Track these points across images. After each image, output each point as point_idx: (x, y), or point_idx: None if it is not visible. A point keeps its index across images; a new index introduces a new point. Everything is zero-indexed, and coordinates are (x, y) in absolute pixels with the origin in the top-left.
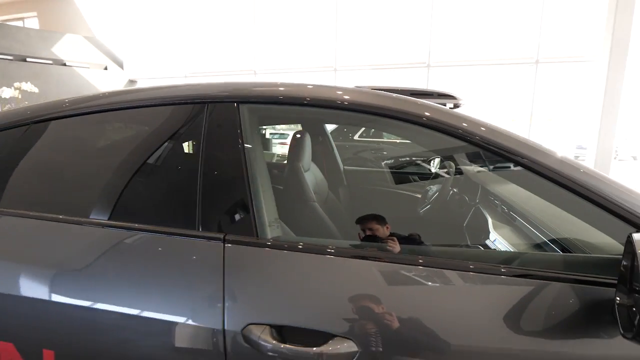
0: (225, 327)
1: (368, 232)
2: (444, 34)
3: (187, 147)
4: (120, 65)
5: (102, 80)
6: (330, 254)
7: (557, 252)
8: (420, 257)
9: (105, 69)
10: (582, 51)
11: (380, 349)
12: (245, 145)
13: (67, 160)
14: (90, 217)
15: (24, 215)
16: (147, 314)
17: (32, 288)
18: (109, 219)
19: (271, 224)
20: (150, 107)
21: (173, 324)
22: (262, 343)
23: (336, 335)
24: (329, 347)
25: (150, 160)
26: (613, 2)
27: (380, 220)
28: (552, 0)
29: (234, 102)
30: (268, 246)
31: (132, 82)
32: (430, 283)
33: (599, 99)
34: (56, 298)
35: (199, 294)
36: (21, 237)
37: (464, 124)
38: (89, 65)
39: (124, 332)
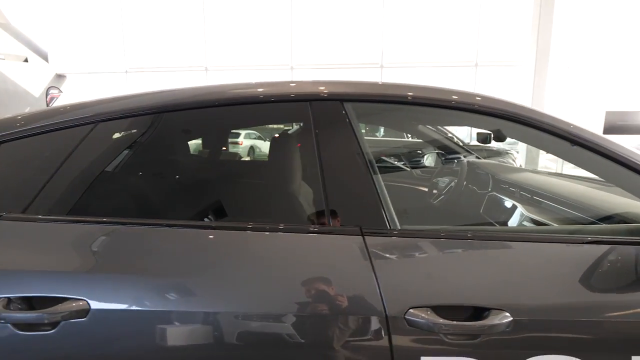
0: (388, 314)
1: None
2: (396, 38)
3: (302, 145)
4: (45, 57)
5: (22, 73)
6: (456, 238)
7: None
8: (537, 234)
9: (26, 60)
10: (513, 57)
11: (530, 317)
12: (360, 141)
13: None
14: (227, 221)
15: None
16: (301, 312)
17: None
18: (250, 222)
19: (397, 214)
20: (254, 104)
21: (331, 317)
22: (428, 323)
23: (491, 309)
24: (488, 320)
25: (280, 160)
26: (536, 13)
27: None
28: (489, 9)
29: (339, 100)
30: (402, 235)
31: (60, 76)
32: (539, 256)
33: (527, 101)
34: (198, 307)
35: (352, 286)
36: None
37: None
38: (3, 56)
39: (284, 331)
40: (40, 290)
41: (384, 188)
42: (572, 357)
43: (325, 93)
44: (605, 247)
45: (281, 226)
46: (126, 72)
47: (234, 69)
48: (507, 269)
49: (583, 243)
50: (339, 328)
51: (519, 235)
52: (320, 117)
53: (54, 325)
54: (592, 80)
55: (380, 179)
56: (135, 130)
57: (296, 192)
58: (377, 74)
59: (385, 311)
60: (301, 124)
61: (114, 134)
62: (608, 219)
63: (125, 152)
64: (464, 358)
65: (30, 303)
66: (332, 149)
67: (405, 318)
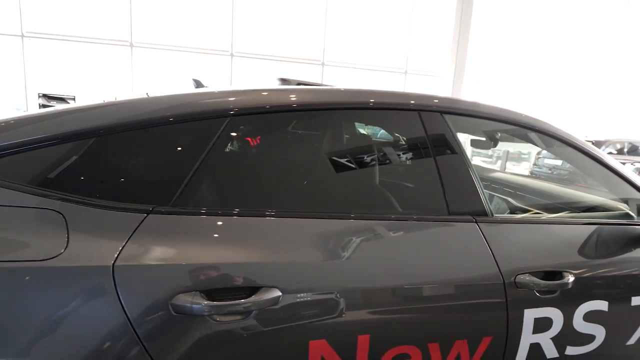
0: (504, 280)
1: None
2: (338, 39)
3: (421, 148)
4: None
5: None
6: (534, 222)
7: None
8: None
9: None
10: (437, 68)
11: (578, 273)
12: (460, 146)
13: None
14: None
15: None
16: (435, 283)
17: (343, 281)
18: (380, 213)
19: (491, 205)
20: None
21: (462, 286)
22: (533, 284)
23: (562, 271)
24: (563, 279)
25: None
26: (456, 32)
27: None
28: (418, 24)
29: (440, 112)
30: (501, 222)
31: None
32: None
33: None
34: (368, 284)
35: (472, 261)
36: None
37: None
38: None
39: (421, 303)
40: (236, 282)
41: (481, 183)
42: (601, 301)
43: (430, 106)
44: (595, 227)
45: (415, 216)
46: (22, 35)
47: (163, 49)
48: (556, 240)
49: (583, 224)
50: (472, 292)
51: (551, 220)
52: (429, 125)
53: (248, 314)
54: (494, 94)
55: (477, 176)
56: (280, 126)
57: (420, 188)
58: (319, 70)
59: (502, 277)
60: (410, 130)
61: (258, 128)
62: (590, 209)
63: (269, 146)
64: (550, 307)
65: (227, 294)
66: (443, 153)
67: (515, 281)
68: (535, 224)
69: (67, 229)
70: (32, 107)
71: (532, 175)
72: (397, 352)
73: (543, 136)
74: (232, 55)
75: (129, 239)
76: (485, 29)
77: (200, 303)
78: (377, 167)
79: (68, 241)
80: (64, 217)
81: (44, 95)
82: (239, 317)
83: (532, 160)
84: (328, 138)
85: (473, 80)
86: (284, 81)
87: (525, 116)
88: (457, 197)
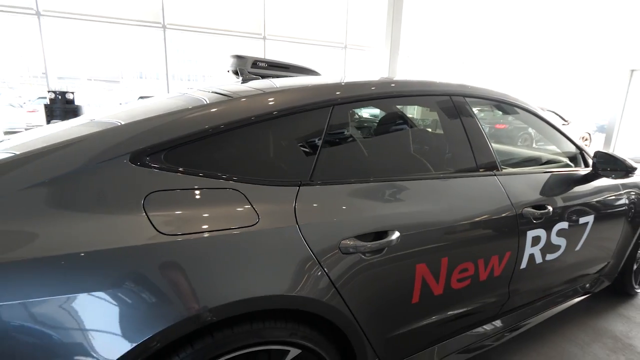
0: (516, 212)
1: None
2: (278, 12)
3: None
4: None
5: None
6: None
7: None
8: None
9: None
10: (374, 42)
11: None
12: (480, 122)
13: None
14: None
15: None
16: (482, 218)
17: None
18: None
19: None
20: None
21: (496, 219)
22: (530, 214)
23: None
24: (546, 211)
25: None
26: (390, 9)
27: None
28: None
29: (463, 96)
30: (507, 174)
31: None
32: None
33: None
34: (446, 223)
35: (498, 201)
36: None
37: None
38: None
39: (474, 232)
40: (373, 228)
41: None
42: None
43: (458, 92)
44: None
45: (465, 173)
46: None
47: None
48: (537, 184)
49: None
50: (501, 222)
51: (532, 171)
52: (459, 107)
53: (382, 250)
54: (425, 68)
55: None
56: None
57: (462, 153)
58: (260, 44)
59: (515, 211)
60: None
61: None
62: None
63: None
64: (540, 229)
65: (371, 237)
66: (471, 126)
67: (522, 213)
68: (524, 175)
69: (250, 202)
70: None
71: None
72: (461, 267)
73: (515, 108)
74: (164, 27)
75: (295, 205)
76: (418, 4)
77: (355, 245)
78: (440, 138)
79: (255, 211)
80: (242, 193)
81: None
82: (377, 253)
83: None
84: (409, 121)
85: (406, 55)
86: (239, 58)
87: (504, 94)
88: (482, 158)
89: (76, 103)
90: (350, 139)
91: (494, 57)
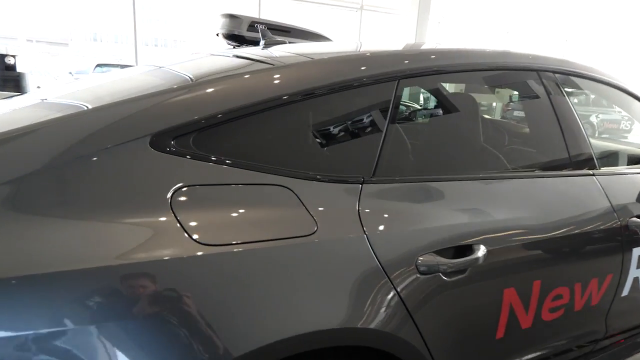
0: (620, 224)
1: None
2: None
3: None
4: None
5: None
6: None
7: None
8: None
9: None
10: (396, 4)
11: None
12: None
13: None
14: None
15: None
16: (580, 230)
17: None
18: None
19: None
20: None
21: (596, 232)
22: (636, 226)
23: None
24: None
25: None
26: None
27: None
28: None
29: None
30: (608, 174)
31: None
32: None
33: None
34: (539, 236)
35: (598, 209)
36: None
37: None
38: None
39: (571, 248)
40: (454, 242)
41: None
42: None
43: (550, 67)
44: None
45: (560, 172)
46: None
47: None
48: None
49: None
50: (602, 236)
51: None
52: (550, 85)
53: (464, 270)
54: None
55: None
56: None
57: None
58: (253, 1)
59: (619, 221)
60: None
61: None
62: None
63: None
64: None
65: (451, 252)
66: (564, 112)
67: (627, 225)
68: (629, 175)
69: (303, 204)
70: None
71: None
72: (555, 293)
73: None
74: None
75: (358, 208)
76: None
77: (437, 262)
78: (526, 126)
79: (311, 215)
80: (293, 192)
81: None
82: (460, 274)
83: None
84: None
85: (436, 21)
86: (232, 18)
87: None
88: (577, 153)
89: (18, 70)
90: (421, 123)
91: (547, 26)
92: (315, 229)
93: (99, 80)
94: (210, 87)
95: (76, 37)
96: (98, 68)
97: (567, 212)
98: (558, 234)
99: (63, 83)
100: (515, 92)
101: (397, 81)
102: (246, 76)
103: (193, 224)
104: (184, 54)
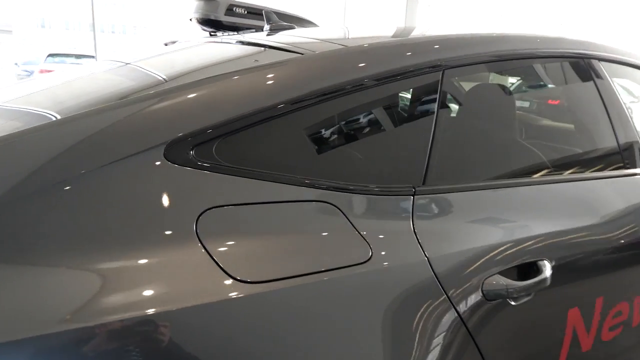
0: None
1: None
2: None
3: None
4: None
5: None
6: None
7: None
8: None
9: None
10: None
11: None
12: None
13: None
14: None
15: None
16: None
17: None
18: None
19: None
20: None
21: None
22: None
23: None
24: None
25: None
26: None
27: None
28: None
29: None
30: None
31: None
32: None
33: None
34: (604, 246)
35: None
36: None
37: None
38: None
39: (633, 259)
40: (522, 259)
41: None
42: None
43: (596, 54)
44: None
45: (620, 173)
46: None
47: None
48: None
49: None
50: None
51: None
52: (599, 73)
53: (529, 293)
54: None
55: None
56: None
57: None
58: None
59: None
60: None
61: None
62: None
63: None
64: None
65: (515, 272)
66: (613, 104)
67: None
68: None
69: (351, 222)
70: None
71: None
72: (616, 310)
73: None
74: None
75: (413, 225)
76: None
77: (506, 286)
78: (575, 120)
79: (363, 237)
80: (339, 209)
81: None
82: (527, 296)
83: None
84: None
85: (426, 4)
86: (208, 0)
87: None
88: (629, 151)
89: None
90: (468, 120)
91: (546, 9)
92: (370, 254)
93: (66, 76)
94: (232, 83)
95: (21, 23)
96: (50, 58)
97: (626, 219)
98: (621, 241)
99: (13, 82)
100: (570, 84)
101: (448, 70)
102: (276, 67)
103: (227, 256)
104: (162, 43)
